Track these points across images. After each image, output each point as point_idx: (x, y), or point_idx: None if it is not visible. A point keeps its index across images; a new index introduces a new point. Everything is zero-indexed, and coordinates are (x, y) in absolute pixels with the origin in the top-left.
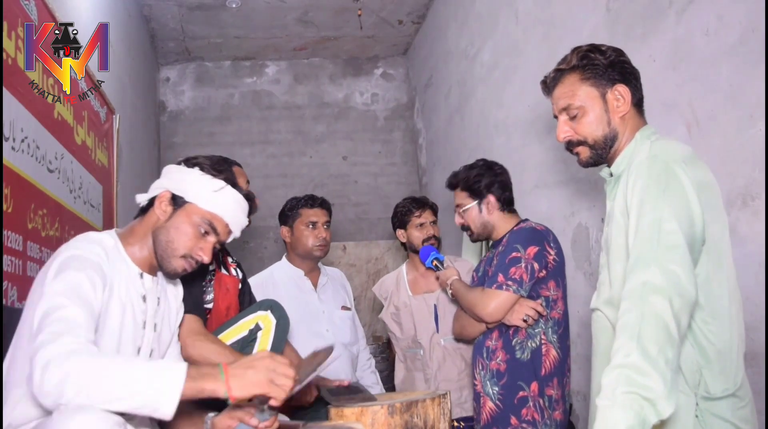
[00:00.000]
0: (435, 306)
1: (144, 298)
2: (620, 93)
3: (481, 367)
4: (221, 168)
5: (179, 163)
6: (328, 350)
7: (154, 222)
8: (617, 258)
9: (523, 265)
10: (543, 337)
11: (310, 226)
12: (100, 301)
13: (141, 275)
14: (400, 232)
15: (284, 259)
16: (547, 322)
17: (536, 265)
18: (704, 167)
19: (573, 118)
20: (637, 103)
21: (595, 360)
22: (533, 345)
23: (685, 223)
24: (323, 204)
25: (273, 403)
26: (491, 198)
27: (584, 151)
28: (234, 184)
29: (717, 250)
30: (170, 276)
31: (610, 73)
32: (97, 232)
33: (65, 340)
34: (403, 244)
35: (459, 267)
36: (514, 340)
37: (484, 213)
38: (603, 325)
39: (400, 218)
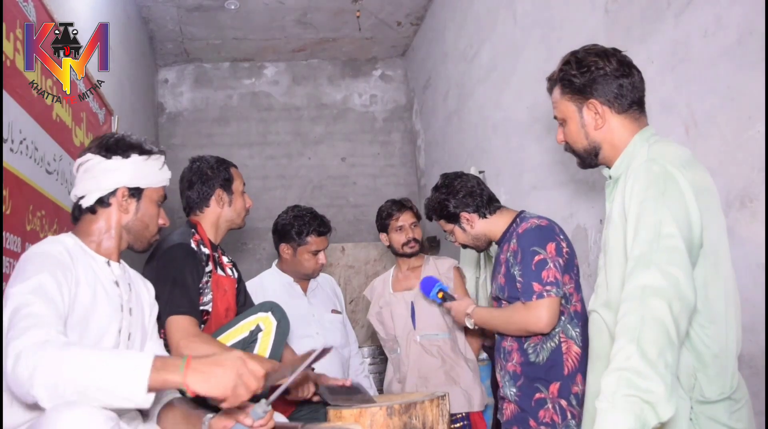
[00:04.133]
0: (412, 303)
1: (117, 284)
2: (595, 108)
3: (500, 368)
4: (151, 142)
5: (105, 156)
6: (323, 352)
7: (117, 219)
8: (614, 260)
9: (551, 264)
10: (562, 335)
11: (314, 253)
12: (67, 296)
13: (108, 263)
14: (383, 236)
15: (274, 266)
16: (567, 318)
17: (561, 261)
18: (702, 170)
19: (562, 125)
20: (637, 102)
21: (590, 362)
22: (551, 345)
23: (684, 226)
24: (329, 231)
25: (224, 405)
26: (465, 215)
27: (576, 157)
28: (162, 151)
29: (714, 254)
30: (145, 250)
31: (587, 89)
32: (53, 236)
33: (34, 332)
34: (389, 247)
35: (441, 264)
36: (526, 343)
37: (468, 230)
38: (599, 328)
39: (381, 222)
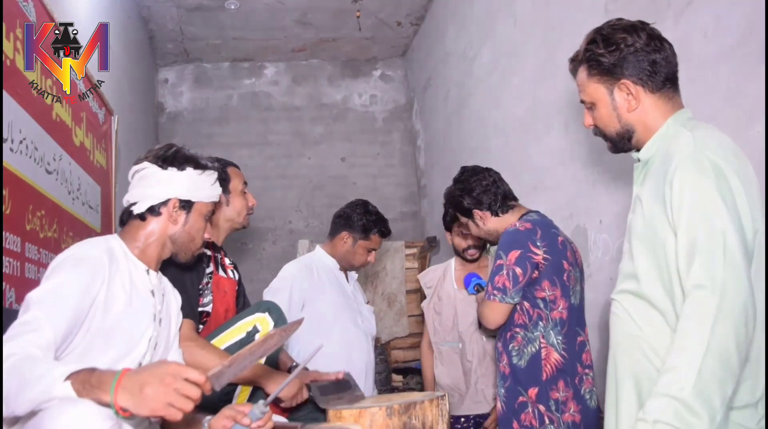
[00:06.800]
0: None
1: (152, 293)
2: (628, 89)
3: (496, 368)
4: (210, 158)
5: (161, 166)
6: (297, 323)
7: (164, 228)
8: (642, 248)
9: (504, 272)
10: (542, 340)
11: (368, 250)
12: (88, 300)
13: (147, 271)
14: (447, 235)
15: (321, 249)
16: (547, 323)
17: (518, 270)
18: (746, 160)
19: (590, 109)
20: (670, 78)
21: (611, 349)
22: (532, 350)
23: (741, 234)
24: (390, 234)
25: (169, 419)
26: (478, 213)
27: (606, 141)
28: (216, 168)
29: (760, 251)
30: (188, 262)
31: (617, 69)
32: (100, 236)
33: (12, 343)
34: (452, 246)
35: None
36: (510, 345)
37: (481, 226)
38: (618, 316)
39: (448, 223)
